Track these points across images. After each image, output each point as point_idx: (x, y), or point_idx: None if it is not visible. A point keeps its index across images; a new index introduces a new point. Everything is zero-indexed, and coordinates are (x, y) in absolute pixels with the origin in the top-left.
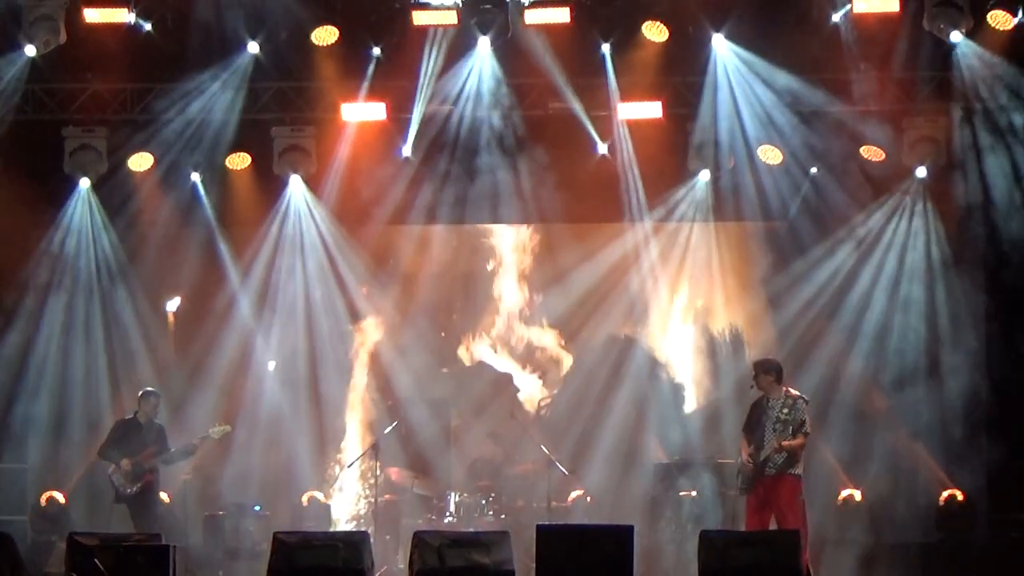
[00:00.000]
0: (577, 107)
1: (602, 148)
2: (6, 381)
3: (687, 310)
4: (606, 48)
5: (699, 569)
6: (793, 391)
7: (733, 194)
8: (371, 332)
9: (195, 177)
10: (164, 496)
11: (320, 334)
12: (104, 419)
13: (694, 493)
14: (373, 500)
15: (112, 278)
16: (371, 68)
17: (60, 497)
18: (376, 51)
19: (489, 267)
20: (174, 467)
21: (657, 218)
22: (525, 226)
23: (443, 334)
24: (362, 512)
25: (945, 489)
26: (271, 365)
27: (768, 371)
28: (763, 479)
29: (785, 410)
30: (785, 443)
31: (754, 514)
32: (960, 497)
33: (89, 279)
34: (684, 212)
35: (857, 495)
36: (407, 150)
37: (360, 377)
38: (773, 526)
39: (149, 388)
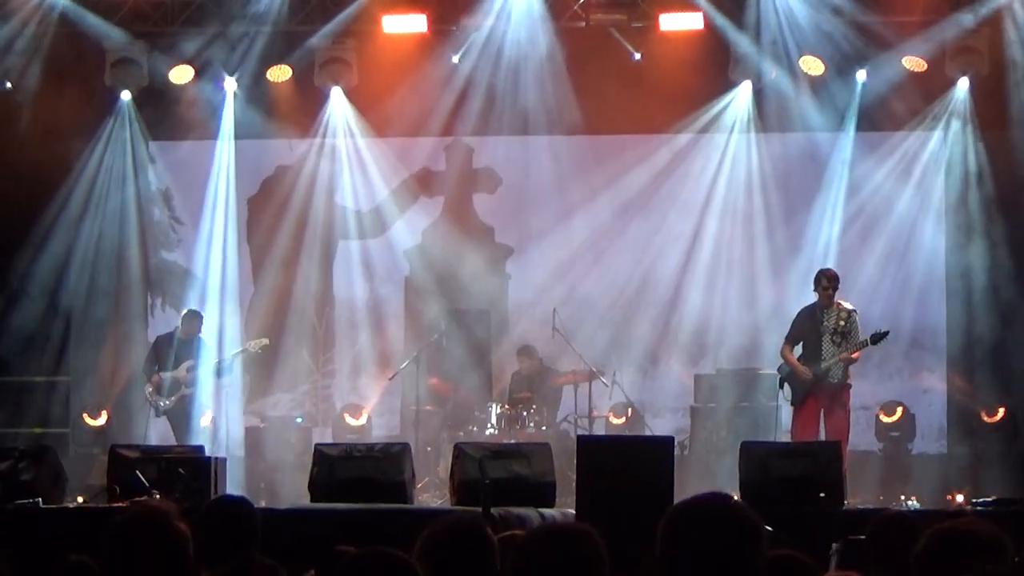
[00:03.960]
0: (617, 18)
1: (641, 59)
2: (45, 296)
3: (726, 223)
4: None
5: (740, 480)
6: (845, 303)
7: (775, 105)
8: (412, 244)
9: (235, 89)
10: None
11: (361, 247)
12: (137, 331)
13: (735, 404)
14: (414, 411)
15: (151, 191)
16: None
17: (102, 410)
18: None
19: (533, 179)
20: (215, 380)
21: (698, 130)
22: (566, 137)
23: (487, 246)
24: (403, 424)
25: (986, 405)
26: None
27: (836, 282)
28: (821, 389)
29: (842, 322)
30: (855, 355)
31: (809, 424)
32: (1003, 410)
33: (129, 192)
34: (725, 124)
35: (899, 409)
36: (456, 58)
37: (400, 288)
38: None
39: (192, 308)
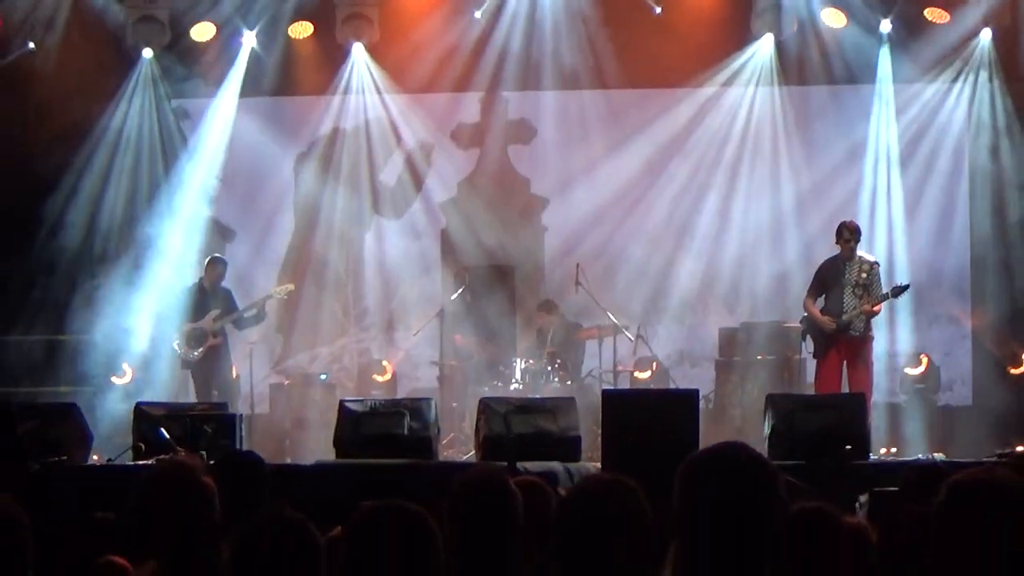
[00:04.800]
0: None
1: (662, 13)
2: (69, 255)
3: (751, 175)
4: None
5: (767, 433)
6: (867, 255)
7: (797, 58)
8: (447, 197)
9: (253, 44)
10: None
11: (384, 201)
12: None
13: (759, 357)
14: (439, 367)
15: (175, 148)
16: None
17: (127, 368)
18: None
19: (556, 134)
20: (240, 334)
21: (720, 83)
22: (588, 92)
23: (522, 198)
24: (428, 379)
25: (1012, 356)
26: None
27: (858, 234)
28: (843, 342)
29: (864, 274)
30: (875, 308)
31: (832, 377)
32: None
33: (152, 150)
34: (747, 77)
35: (924, 361)
36: (479, 14)
37: (427, 244)
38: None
39: (216, 255)
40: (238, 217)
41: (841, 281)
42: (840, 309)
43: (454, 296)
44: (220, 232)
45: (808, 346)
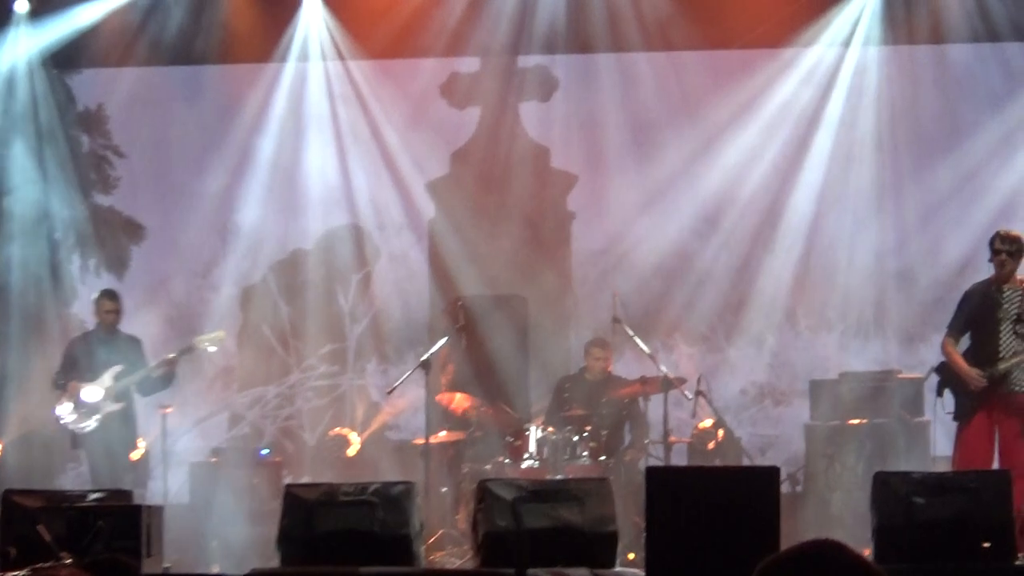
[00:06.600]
0: None
1: None
2: None
3: (848, 158)
4: None
5: (874, 523)
6: None
7: (904, 13)
8: (436, 175)
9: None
10: (139, 439)
11: (357, 206)
12: (53, 316)
13: (864, 421)
14: (423, 439)
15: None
16: None
17: None
18: None
19: (586, 92)
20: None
21: (812, 43)
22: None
23: (540, 172)
24: (405, 455)
25: None
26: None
27: (1020, 247)
28: (997, 400)
29: None
30: None
31: (979, 448)
32: None
33: (38, 135)
34: (846, 36)
35: None
36: None
37: (422, 238)
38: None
39: (106, 288)
40: (150, 209)
41: (996, 314)
42: (995, 354)
43: (434, 349)
44: (122, 230)
45: (946, 404)
